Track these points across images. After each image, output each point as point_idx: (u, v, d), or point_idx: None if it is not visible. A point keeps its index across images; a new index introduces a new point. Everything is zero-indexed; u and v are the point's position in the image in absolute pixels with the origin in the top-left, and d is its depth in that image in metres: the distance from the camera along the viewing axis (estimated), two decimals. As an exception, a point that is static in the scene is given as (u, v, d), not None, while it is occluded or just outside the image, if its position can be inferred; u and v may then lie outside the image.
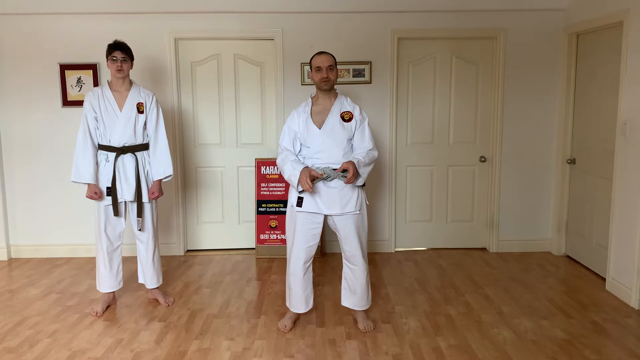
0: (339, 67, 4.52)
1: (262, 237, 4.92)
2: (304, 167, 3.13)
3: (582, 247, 4.61)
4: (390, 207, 4.98)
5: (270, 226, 4.89)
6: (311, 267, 3.39)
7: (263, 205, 4.89)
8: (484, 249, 5.11)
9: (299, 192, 3.20)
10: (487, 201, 5.04)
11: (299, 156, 3.28)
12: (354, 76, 4.77)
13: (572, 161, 4.70)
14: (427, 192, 5.06)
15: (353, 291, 3.37)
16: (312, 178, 3.11)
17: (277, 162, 3.32)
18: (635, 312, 3.63)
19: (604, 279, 4.16)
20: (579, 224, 4.64)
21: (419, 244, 5.14)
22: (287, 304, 3.45)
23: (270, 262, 4.76)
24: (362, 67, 4.77)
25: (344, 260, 3.37)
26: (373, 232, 4.97)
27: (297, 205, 3.22)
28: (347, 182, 3.09)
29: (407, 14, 4.71)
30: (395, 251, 5.06)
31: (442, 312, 3.64)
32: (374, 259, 4.77)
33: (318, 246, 3.42)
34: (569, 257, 4.83)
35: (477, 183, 5.05)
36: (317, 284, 4.13)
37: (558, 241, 4.90)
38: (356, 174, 3.09)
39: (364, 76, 4.78)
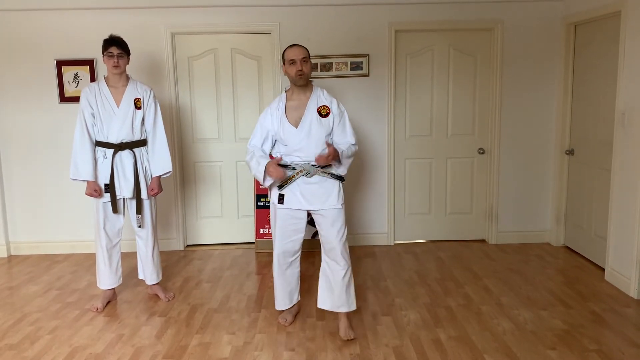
0: (336, 60, 4.52)
1: (261, 231, 4.92)
2: (268, 161, 3.07)
3: (581, 238, 4.62)
4: (389, 200, 4.98)
5: (269, 220, 4.89)
6: (297, 263, 3.35)
7: (262, 199, 4.89)
8: (483, 241, 5.12)
9: (279, 188, 3.16)
10: (486, 193, 5.04)
11: (275, 153, 3.21)
12: (351, 69, 4.76)
13: (570, 152, 4.70)
14: (426, 184, 5.06)
15: (330, 289, 3.20)
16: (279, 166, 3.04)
17: (246, 160, 3.21)
18: (634, 302, 3.64)
19: (603, 270, 4.17)
20: (578, 215, 4.64)
21: (418, 236, 5.14)
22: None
23: (269, 256, 4.75)
24: (359, 60, 4.76)
25: (322, 256, 3.25)
26: (372, 224, 4.97)
27: (278, 203, 3.18)
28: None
29: (404, 6, 4.69)
30: (395, 244, 5.06)
31: (442, 304, 3.65)
32: (373, 252, 4.77)
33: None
34: (568, 247, 4.84)
35: (476, 175, 5.05)
36: (315, 278, 4.13)
37: (557, 232, 4.91)
38: (334, 157, 3.01)
39: (361, 69, 4.77)
